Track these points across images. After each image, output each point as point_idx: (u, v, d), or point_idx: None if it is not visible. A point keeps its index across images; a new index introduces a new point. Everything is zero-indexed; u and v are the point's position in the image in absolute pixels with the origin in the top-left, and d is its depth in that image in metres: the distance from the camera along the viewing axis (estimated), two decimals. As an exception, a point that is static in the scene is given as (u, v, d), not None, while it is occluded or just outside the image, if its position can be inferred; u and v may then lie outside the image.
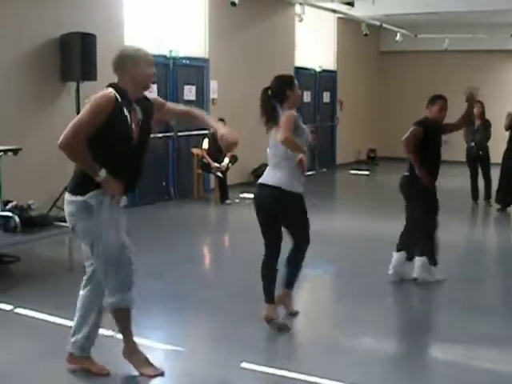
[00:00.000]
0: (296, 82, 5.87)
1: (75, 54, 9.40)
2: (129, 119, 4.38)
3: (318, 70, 17.42)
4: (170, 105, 5.01)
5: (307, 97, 17.11)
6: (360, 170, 17.86)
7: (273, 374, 4.82)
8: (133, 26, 11.21)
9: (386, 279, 7.28)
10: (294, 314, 6.07)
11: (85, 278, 4.78)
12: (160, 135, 12.08)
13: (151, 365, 4.76)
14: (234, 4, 12.18)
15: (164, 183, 12.65)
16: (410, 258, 7.20)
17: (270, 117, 5.75)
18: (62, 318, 5.73)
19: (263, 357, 5.13)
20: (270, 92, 5.77)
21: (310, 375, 4.78)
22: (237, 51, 13.94)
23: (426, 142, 7.01)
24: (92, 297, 4.73)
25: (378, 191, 15.51)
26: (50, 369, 4.86)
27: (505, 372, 5.01)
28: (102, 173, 4.30)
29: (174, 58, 12.25)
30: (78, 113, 9.50)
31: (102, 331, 4.91)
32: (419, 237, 7.14)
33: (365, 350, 5.46)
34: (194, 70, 12.96)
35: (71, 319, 5.65)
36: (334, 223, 10.85)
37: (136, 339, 4.82)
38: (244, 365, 4.93)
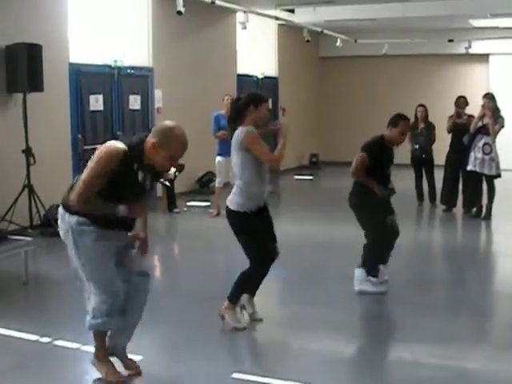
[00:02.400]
0: (265, 102, 5.92)
1: (21, 65, 9.22)
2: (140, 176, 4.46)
3: (260, 76, 17.52)
4: None
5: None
6: (303, 174, 18.02)
7: (233, 378, 4.86)
8: (78, 36, 11.12)
9: (338, 282, 7.38)
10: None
11: None
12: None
13: (117, 371, 4.82)
14: (180, 13, 12.10)
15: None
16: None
17: (233, 128, 5.87)
18: (21, 331, 5.66)
19: (220, 362, 5.17)
20: (238, 103, 5.90)
21: (262, 376, 4.86)
22: (180, 60, 13.92)
23: (377, 164, 6.69)
24: None
25: (324, 195, 15.68)
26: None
27: (456, 367, 5.14)
28: (120, 208, 4.38)
29: (119, 68, 12.15)
30: (25, 124, 9.45)
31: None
32: (366, 246, 6.94)
33: (318, 350, 5.53)
34: (139, 80, 12.88)
35: (30, 332, 5.62)
36: (283, 228, 10.77)
37: (90, 348, 4.92)
38: (204, 370, 4.98)
